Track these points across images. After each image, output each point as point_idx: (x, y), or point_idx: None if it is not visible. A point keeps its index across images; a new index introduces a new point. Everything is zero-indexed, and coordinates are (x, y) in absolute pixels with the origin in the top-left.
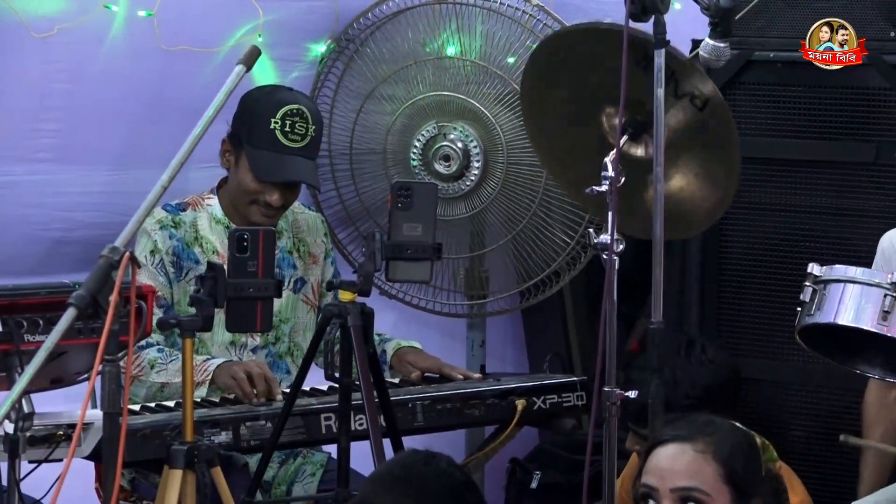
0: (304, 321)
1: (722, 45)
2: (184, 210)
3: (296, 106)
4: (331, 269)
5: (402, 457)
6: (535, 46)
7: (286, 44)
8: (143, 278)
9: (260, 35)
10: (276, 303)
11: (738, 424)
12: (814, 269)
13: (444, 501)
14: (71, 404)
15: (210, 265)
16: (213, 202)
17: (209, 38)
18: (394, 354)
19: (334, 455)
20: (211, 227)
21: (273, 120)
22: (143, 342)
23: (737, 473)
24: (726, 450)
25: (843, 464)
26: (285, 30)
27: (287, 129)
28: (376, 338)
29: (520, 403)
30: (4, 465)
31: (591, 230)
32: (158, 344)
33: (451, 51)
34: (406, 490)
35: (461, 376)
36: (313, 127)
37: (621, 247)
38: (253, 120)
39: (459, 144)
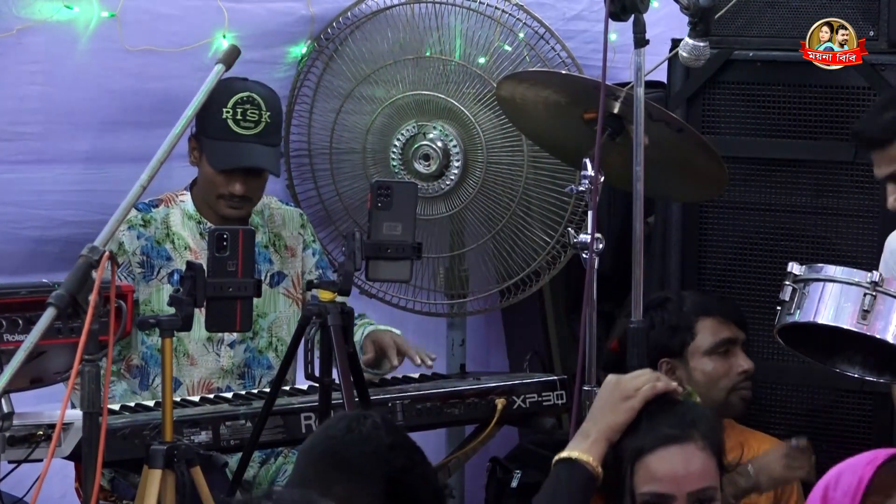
0: (287, 315)
1: (701, 44)
2: (156, 206)
3: (246, 94)
4: (313, 260)
5: (328, 425)
6: (507, 47)
7: (261, 46)
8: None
9: (225, 35)
10: None
11: (696, 396)
12: (793, 267)
13: (368, 469)
14: (46, 404)
15: (189, 264)
16: (186, 198)
17: (179, 39)
18: (366, 336)
19: None
20: (183, 223)
21: (225, 109)
22: None
23: (722, 453)
24: (714, 437)
25: (821, 462)
26: (258, 32)
27: (239, 116)
28: (361, 320)
29: (500, 402)
30: None
31: (570, 229)
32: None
33: (430, 50)
34: (329, 464)
35: (417, 359)
36: (267, 113)
37: (601, 246)
38: (207, 112)
39: (439, 144)
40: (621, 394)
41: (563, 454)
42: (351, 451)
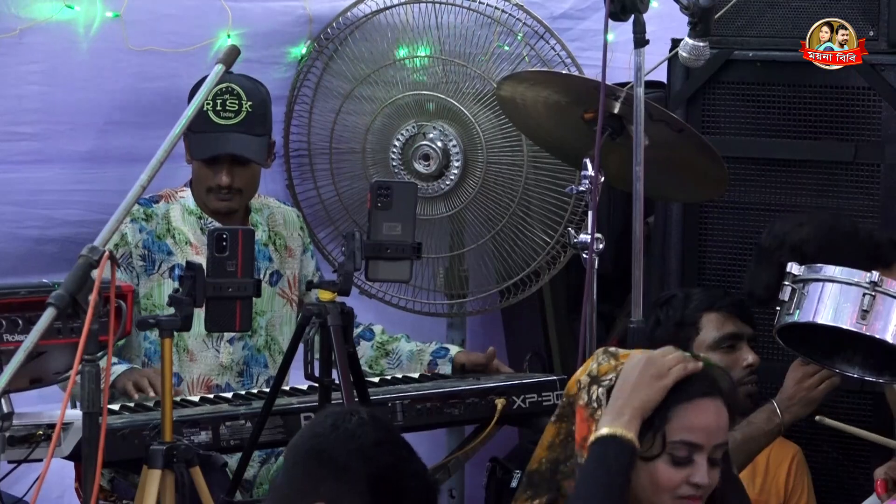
0: (282, 315)
1: (701, 44)
2: (157, 202)
3: (225, 84)
4: (311, 262)
5: (315, 422)
6: (504, 46)
7: (261, 46)
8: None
9: (229, 35)
10: None
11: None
12: (793, 268)
13: (353, 466)
14: (46, 404)
15: (189, 264)
16: (186, 194)
17: (179, 39)
18: (458, 353)
19: None
20: (183, 218)
21: (206, 102)
22: None
23: (736, 414)
24: (733, 398)
25: (823, 463)
26: (258, 32)
27: (218, 107)
28: (431, 345)
29: (499, 402)
30: None
31: (570, 229)
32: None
33: (429, 50)
34: (314, 462)
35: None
36: (248, 103)
37: (601, 246)
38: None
39: (439, 144)
40: (655, 372)
41: (604, 432)
42: (336, 448)
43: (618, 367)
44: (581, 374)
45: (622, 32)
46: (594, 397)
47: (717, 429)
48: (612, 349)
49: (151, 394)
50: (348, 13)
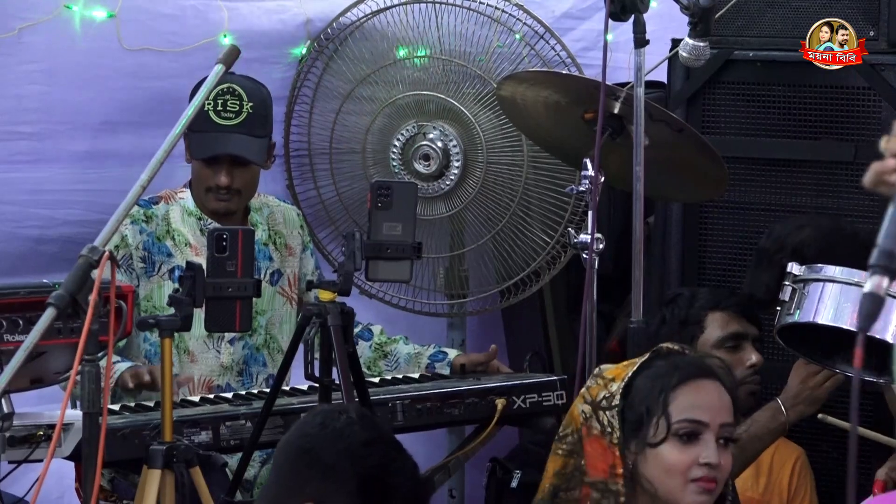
0: (281, 314)
1: (701, 44)
2: (156, 203)
3: (226, 85)
4: (311, 261)
5: (304, 421)
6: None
7: (260, 46)
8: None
9: (226, 35)
10: None
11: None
12: (793, 268)
13: (340, 466)
14: (46, 404)
15: (189, 265)
16: (186, 195)
17: (178, 39)
18: (456, 356)
19: None
20: (183, 220)
21: (207, 102)
22: None
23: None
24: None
25: (823, 463)
26: (258, 32)
27: (219, 107)
28: (434, 349)
29: (500, 402)
30: None
31: (570, 229)
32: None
33: (430, 50)
34: (302, 462)
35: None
36: (249, 104)
37: (601, 246)
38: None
39: (439, 144)
40: None
41: None
42: (325, 448)
43: (607, 384)
44: (579, 404)
45: (622, 32)
46: (605, 423)
47: (720, 407)
48: (597, 370)
49: (147, 378)
50: (348, 13)
